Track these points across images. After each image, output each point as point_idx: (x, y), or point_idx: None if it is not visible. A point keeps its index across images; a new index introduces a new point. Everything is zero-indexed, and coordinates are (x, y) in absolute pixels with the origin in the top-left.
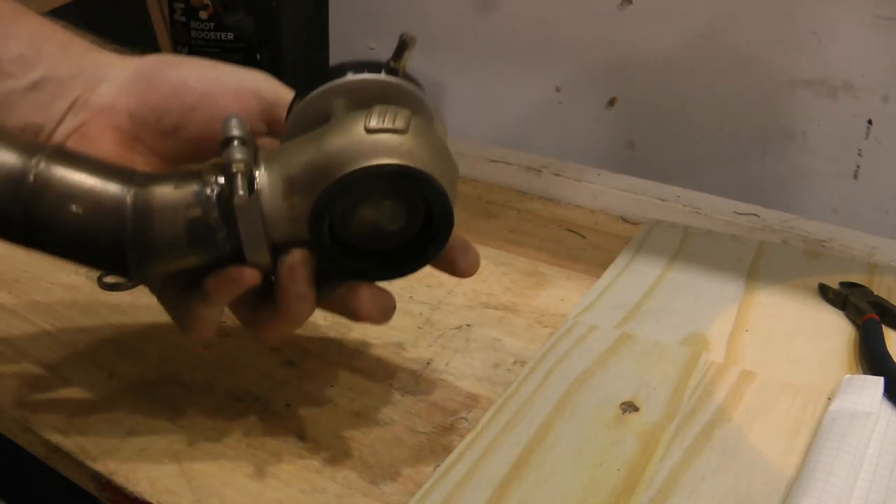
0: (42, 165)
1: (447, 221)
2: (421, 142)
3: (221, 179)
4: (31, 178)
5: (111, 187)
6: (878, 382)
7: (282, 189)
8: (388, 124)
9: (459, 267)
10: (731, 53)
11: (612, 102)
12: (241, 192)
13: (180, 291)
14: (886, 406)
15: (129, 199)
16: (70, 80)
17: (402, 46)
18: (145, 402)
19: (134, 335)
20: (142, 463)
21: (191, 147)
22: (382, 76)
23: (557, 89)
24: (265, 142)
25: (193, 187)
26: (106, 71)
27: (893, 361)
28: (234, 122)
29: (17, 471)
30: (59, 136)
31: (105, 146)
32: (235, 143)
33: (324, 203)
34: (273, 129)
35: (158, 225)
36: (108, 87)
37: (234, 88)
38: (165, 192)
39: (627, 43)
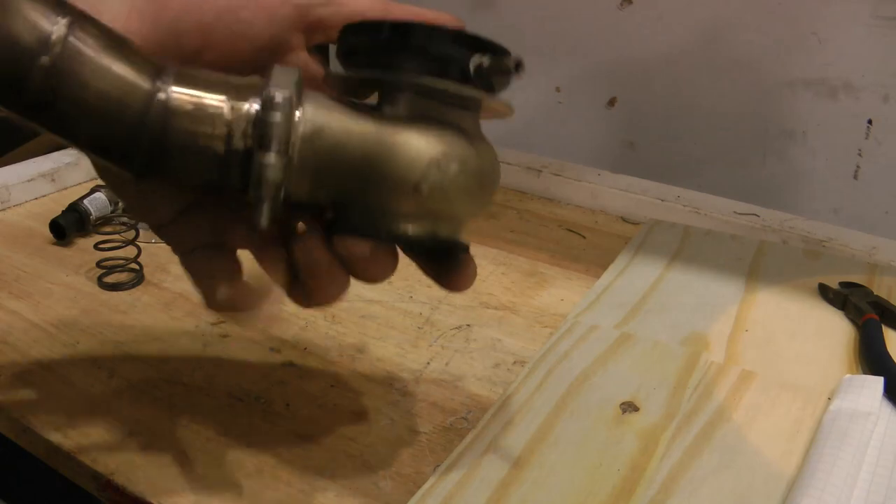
0: (64, 45)
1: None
2: (461, 203)
3: (252, 116)
4: (55, 53)
5: (139, 86)
6: (878, 382)
7: (310, 177)
8: (436, 191)
9: (450, 277)
10: (731, 53)
11: (612, 102)
12: (263, 222)
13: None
14: (886, 406)
15: (152, 110)
16: None
17: (505, 71)
18: (145, 402)
19: (134, 335)
20: (142, 463)
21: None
22: (469, 90)
23: (557, 89)
24: (305, 63)
25: (218, 143)
26: None
27: (893, 361)
28: (279, 93)
29: (17, 471)
30: None
31: None
32: (272, 147)
33: (341, 224)
34: (312, 37)
35: (177, 159)
36: (116, 6)
37: None
38: (188, 125)
39: (627, 43)
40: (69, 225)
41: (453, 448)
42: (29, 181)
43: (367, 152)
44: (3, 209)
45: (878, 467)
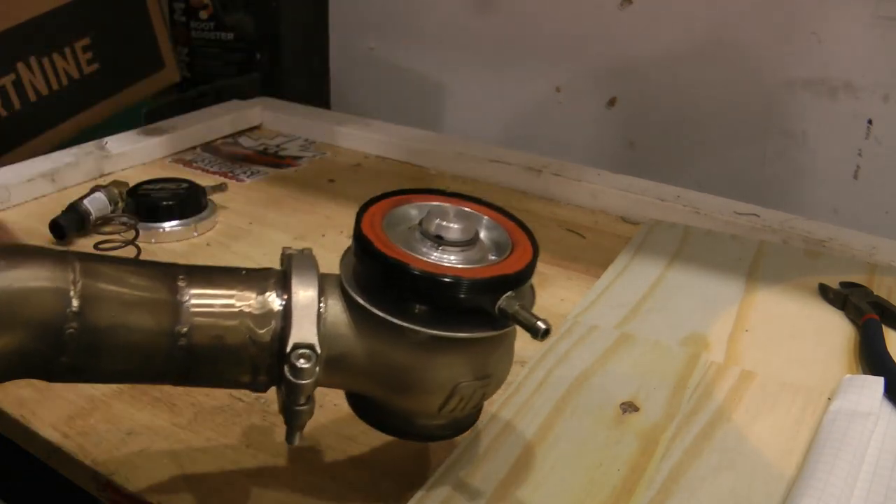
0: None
1: None
2: (473, 419)
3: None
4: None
5: (162, 329)
6: (878, 382)
7: (335, 383)
8: (458, 411)
9: None
10: (731, 53)
11: (612, 102)
12: (296, 443)
13: None
14: (886, 406)
15: (179, 341)
16: None
17: (535, 333)
18: (145, 402)
19: None
20: (142, 463)
21: None
22: (492, 334)
23: (558, 89)
24: None
25: (244, 372)
26: None
27: (893, 361)
28: (308, 324)
29: (17, 471)
30: None
31: None
32: (300, 400)
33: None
34: None
35: (205, 379)
36: None
37: None
38: (214, 353)
39: (628, 43)
40: (69, 225)
41: (453, 448)
42: (29, 181)
43: (392, 381)
44: (3, 209)
45: (878, 467)
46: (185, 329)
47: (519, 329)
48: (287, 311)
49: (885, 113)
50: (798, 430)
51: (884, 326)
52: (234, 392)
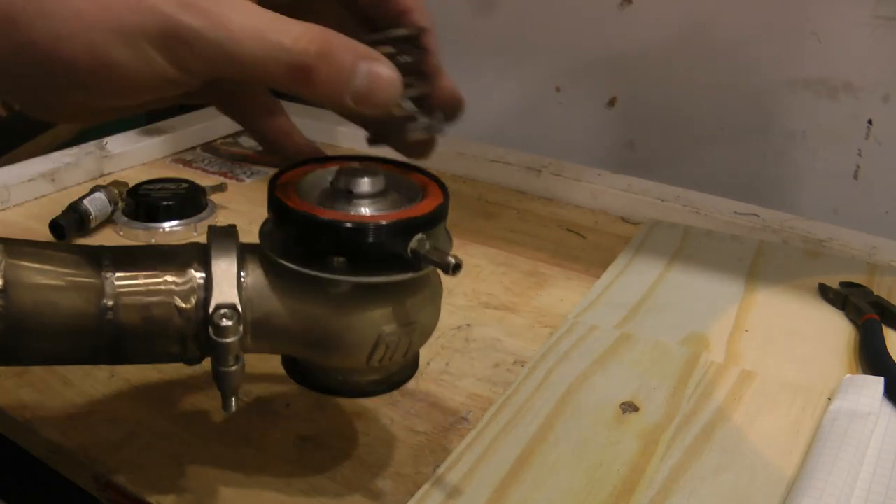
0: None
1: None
2: (408, 356)
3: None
4: None
5: (88, 311)
6: (878, 382)
7: (266, 348)
8: (386, 360)
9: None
10: (731, 54)
11: (612, 102)
12: (232, 410)
13: None
14: (886, 406)
15: (106, 315)
16: None
17: (446, 269)
18: (145, 402)
19: None
20: (142, 463)
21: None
22: (408, 276)
23: (557, 89)
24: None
25: (173, 343)
26: None
27: (893, 361)
28: (227, 287)
29: (17, 471)
30: None
31: None
32: (229, 362)
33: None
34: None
35: (135, 355)
36: None
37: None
38: (142, 329)
39: (627, 43)
40: (69, 225)
41: (453, 448)
42: (29, 181)
43: (318, 336)
44: (3, 209)
45: (878, 467)
46: (111, 303)
47: (518, 329)
48: (209, 280)
49: (885, 113)
50: (798, 430)
51: (884, 326)
52: None
